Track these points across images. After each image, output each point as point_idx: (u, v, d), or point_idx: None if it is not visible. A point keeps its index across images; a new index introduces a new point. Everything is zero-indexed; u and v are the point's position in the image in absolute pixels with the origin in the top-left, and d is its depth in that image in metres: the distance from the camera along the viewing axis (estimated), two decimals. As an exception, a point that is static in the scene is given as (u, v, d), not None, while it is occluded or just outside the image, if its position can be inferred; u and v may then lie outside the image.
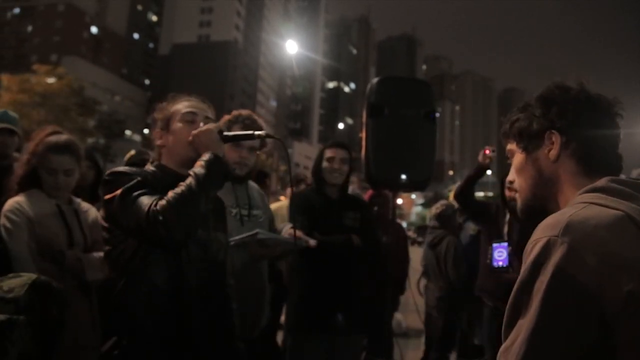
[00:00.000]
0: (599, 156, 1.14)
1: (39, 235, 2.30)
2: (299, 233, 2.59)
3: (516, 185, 1.26)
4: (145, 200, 1.62)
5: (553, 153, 1.15)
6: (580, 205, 1.03)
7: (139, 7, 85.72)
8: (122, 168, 1.77)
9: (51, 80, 33.16)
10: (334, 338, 2.98)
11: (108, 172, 1.77)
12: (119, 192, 1.66)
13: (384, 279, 3.93)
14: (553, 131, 1.15)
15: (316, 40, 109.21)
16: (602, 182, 1.07)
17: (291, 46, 32.90)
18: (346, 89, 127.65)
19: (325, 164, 3.06)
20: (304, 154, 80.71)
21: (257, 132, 1.86)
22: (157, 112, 1.94)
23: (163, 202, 1.60)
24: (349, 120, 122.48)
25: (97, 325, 2.46)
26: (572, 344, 0.94)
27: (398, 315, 6.26)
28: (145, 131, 69.73)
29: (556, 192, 1.16)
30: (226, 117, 2.66)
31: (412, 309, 4.67)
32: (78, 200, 2.59)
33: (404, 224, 9.93)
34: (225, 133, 1.85)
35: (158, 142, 1.90)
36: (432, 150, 3.45)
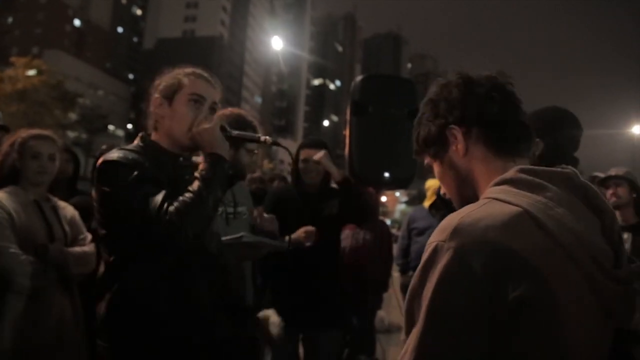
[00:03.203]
0: (502, 131, 1.11)
1: (20, 230, 2.28)
2: (296, 235, 2.66)
3: (447, 194, 1.24)
4: (152, 203, 1.56)
5: (460, 146, 1.12)
6: (482, 201, 1.01)
7: (123, 1, 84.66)
8: (115, 156, 1.65)
9: (31, 72, 32.59)
10: (312, 334, 3.00)
11: (102, 160, 1.67)
12: (119, 187, 1.59)
13: (365, 276, 3.95)
14: (450, 126, 1.13)
15: (302, 37, 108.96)
16: (511, 173, 1.03)
17: (277, 43, 32.74)
18: (332, 87, 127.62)
19: (301, 164, 3.07)
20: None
21: (263, 137, 1.79)
22: (164, 76, 1.82)
23: (172, 209, 1.55)
24: (334, 118, 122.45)
25: (80, 322, 2.45)
26: (461, 352, 0.90)
27: (381, 312, 6.30)
28: (129, 126, 69.12)
29: (475, 187, 1.12)
30: (221, 114, 2.57)
31: (394, 305, 4.71)
32: (55, 198, 2.58)
33: (388, 222, 9.96)
34: (229, 131, 1.77)
35: (156, 110, 1.79)
36: (415, 148, 3.46)
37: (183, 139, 1.75)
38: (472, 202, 1.11)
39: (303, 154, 3.07)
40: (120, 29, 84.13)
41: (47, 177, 2.48)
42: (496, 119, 1.10)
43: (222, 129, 1.74)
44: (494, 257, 0.90)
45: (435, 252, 0.94)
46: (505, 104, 1.12)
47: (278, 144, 1.88)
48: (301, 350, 3.13)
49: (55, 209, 2.52)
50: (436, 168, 1.21)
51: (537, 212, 0.94)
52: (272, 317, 1.96)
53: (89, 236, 2.61)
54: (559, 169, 1.05)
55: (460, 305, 0.90)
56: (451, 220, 0.97)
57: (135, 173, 1.60)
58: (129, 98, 73.48)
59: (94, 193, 1.70)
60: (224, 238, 2.28)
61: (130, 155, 1.67)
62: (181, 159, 1.81)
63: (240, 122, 2.55)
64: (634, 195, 3.18)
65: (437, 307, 0.92)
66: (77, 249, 2.49)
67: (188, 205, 1.57)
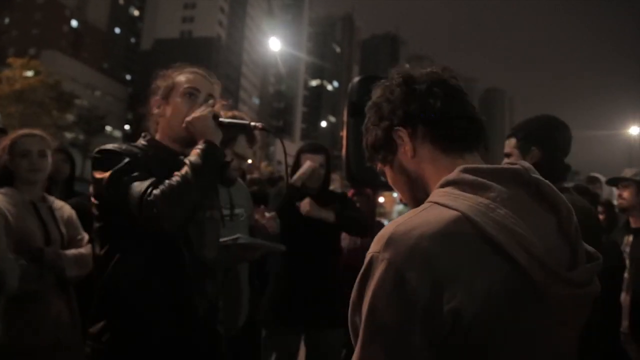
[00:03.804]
0: (447, 127, 1.04)
1: (15, 232, 2.26)
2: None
3: (402, 199, 1.18)
4: (137, 187, 1.56)
5: (407, 148, 1.07)
6: (422, 207, 0.96)
7: (121, 1, 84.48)
8: (111, 146, 1.70)
9: (29, 73, 32.54)
10: (314, 333, 3.01)
11: (97, 149, 1.72)
12: (108, 174, 1.61)
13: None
14: (395, 128, 1.07)
15: (300, 38, 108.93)
16: (454, 173, 0.97)
17: (274, 44, 32.74)
18: (329, 87, 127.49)
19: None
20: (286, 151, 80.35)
21: (253, 123, 1.83)
22: (160, 79, 1.87)
23: (157, 192, 1.54)
24: (332, 119, 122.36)
25: (77, 324, 2.44)
26: None
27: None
28: (126, 127, 69.01)
29: (427, 189, 1.05)
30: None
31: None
32: (52, 198, 2.56)
33: (386, 223, 9.93)
34: (221, 119, 1.78)
35: (155, 110, 1.84)
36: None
37: (180, 129, 1.77)
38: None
39: (304, 159, 3.07)
40: (117, 30, 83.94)
41: (40, 175, 2.45)
42: (439, 115, 1.04)
43: (215, 116, 1.75)
44: (427, 267, 0.83)
45: (371, 263, 0.90)
46: (448, 99, 1.05)
47: (268, 130, 1.90)
48: (303, 351, 3.14)
49: (51, 210, 2.50)
50: (388, 173, 1.16)
51: (476, 216, 0.87)
52: None
53: (86, 237, 2.59)
54: (505, 166, 0.98)
55: (396, 319, 0.84)
56: (387, 229, 0.91)
57: (126, 160, 1.63)
58: (126, 99, 73.29)
59: (91, 183, 1.73)
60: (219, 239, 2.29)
61: (125, 146, 1.71)
62: (182, 157, 1.81)
63: (247, 132, 2.58)
64: None
65: (373, 322, 0.87)
66: (73, 251, 2.46)
67: (173, 188, 1.56)
